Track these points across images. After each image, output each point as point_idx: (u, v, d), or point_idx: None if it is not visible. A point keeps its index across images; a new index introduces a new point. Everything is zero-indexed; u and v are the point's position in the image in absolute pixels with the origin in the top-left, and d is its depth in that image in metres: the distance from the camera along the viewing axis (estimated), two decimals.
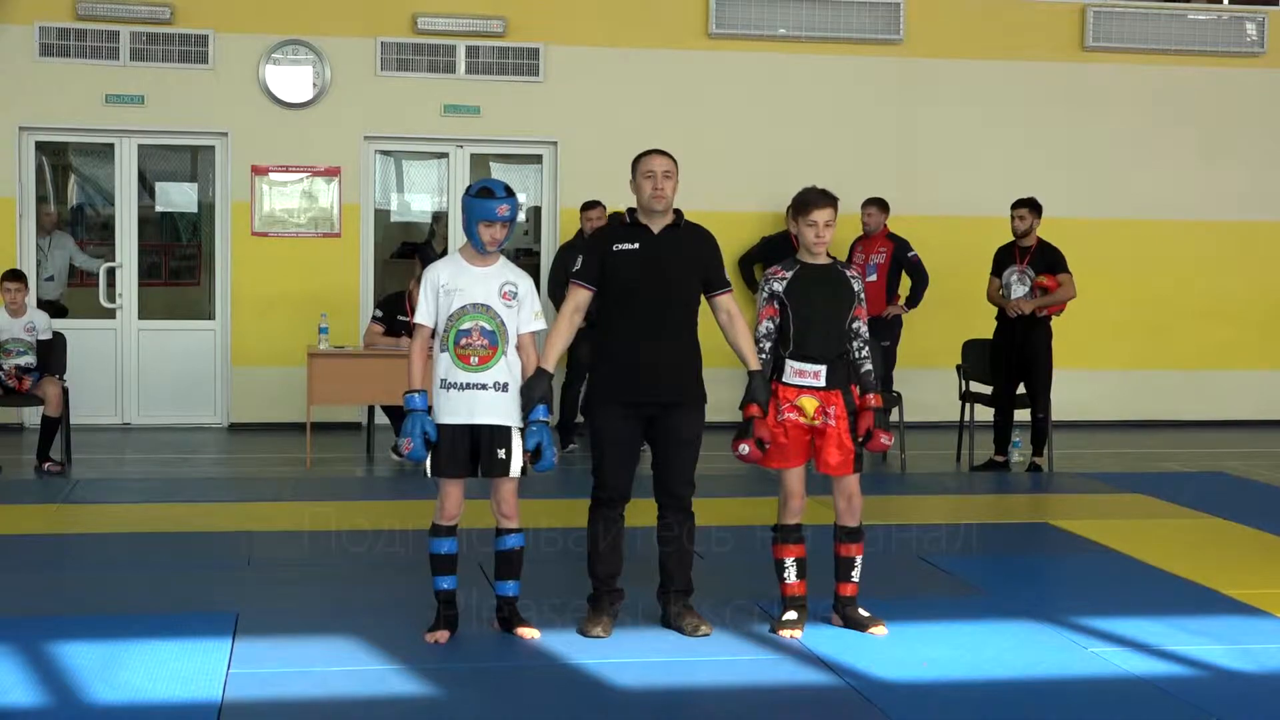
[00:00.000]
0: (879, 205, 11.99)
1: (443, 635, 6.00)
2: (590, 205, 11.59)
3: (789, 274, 6.22)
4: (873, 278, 11.78)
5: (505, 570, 6.14)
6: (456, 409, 5.97)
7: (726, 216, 11.62)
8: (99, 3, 12.20)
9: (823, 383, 6.15)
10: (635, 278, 6.11)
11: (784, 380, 6.18)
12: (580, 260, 6.22)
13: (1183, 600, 6.87)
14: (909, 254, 11.93)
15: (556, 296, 11.59)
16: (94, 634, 5.94)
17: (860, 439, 6.18)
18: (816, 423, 6.16)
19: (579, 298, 6.21)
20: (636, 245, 6.14)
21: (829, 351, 6.16)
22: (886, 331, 11.69)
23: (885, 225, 12.01)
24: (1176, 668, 5.81)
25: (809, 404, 6.15)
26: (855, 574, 6.28)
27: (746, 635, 6.16)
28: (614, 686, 5.51)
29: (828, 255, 6.28)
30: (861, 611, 6.26)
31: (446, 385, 5.98)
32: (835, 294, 6.21)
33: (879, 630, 6.18)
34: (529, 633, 6.06)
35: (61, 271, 12.79)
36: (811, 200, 6.19)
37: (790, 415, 6.16)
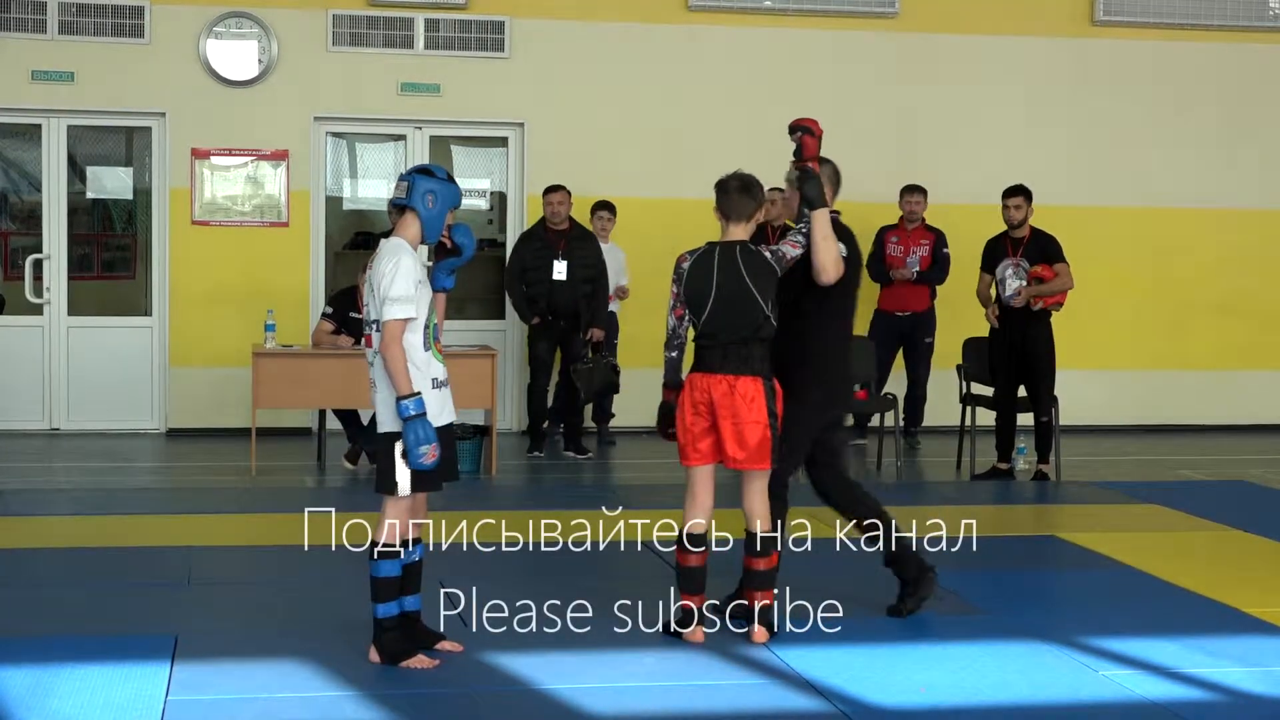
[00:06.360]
0: (923, 193, 12.06)
1: (424, 660, 5.95)
2: (552, 189, 11.58)
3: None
4: (917, 269, 11.87)
5: (413, 583, 6.08)
6: (445, 409, 6.01)
7: (707, 204, 11.60)
8: None
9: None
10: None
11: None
12: None
13: (1201, 619, 6.90)
14: (944, 249, 12.01)
15: (514, 289, 11.58)
16: (20, 658, 5.92)
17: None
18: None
19: None
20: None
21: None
22: (926, 328, 11.81)
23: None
24: (1194, 691, 5.83)
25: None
26: (770, 584, 6.27)
27: (731, 657, 6.16)
28: (586, 713, 5.50)
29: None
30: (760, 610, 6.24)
31: (438, 384, 5.97)
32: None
33: (760, 636, 6.20)
34: (451, 646, 6.08)
35: None
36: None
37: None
